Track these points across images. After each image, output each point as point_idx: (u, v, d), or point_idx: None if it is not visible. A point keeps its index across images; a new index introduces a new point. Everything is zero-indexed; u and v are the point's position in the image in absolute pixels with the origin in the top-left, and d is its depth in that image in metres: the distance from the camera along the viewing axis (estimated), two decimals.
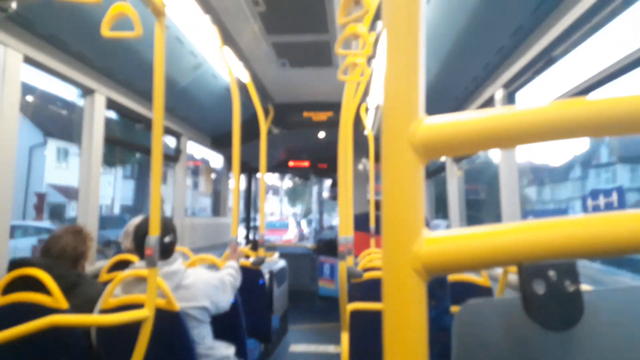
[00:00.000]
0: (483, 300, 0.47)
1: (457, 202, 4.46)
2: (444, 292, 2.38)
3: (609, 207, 1.96)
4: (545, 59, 2.42)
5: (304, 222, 23.04)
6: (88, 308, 2.00)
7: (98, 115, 3.01)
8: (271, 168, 7.28)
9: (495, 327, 0.46)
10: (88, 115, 2.99)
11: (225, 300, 2.12)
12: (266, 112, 4.88)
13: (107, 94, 3.10)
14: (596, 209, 2.03)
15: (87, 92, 2.99)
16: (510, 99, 2.91)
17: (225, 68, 3.11)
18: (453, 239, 0.44)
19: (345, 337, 2.35)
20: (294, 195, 32.52)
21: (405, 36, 0.45)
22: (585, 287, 0.42)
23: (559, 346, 0.45)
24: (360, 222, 4.11)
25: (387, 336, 0.44)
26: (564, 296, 0.42)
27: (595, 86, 2.05)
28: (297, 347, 4.70)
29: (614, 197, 1.95)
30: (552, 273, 0.42)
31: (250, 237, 7.04)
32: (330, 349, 4.53)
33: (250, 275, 3.49)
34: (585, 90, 2.11)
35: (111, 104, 3.19)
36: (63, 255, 2.19)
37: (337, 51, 2.01)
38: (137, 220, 2.80)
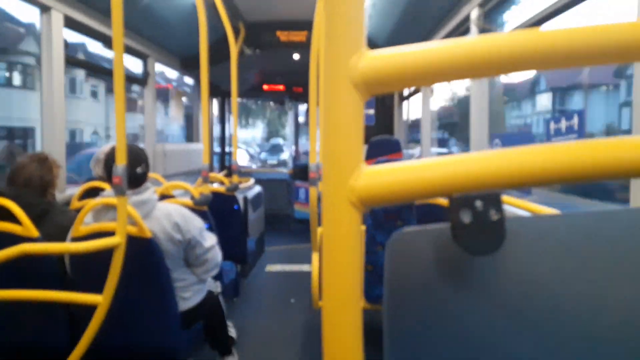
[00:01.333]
0: (414, 229, 0.50)
1: (429, 125, 4.48)
2: (410, 212, 2.47)
3: (570, 130, 2.01)
4: None
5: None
6: (60, 236, 1.99)
7: (57, 35, 2.82)
8: (244, 92, 7.09)
9: (426, 254, 0.49)
10: (46, 35, 2.80)
11: (195, 233, 2.09)
12: (237, 32, 4.66)
13: (65, 12, 2.89)
14: (558, 132, 2.07)
15: (42, 9, 2.77)
16: (487, 19, 2.84)
17: None
18: (389, 173, 0.45)
19: (315, 257, 2.43)
20: (247, 114, 30.40)
21: None
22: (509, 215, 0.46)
23: (483, 269, 0.49)
24: None
25: (325, 263, 0.47)
26: (488, 224, 0.45)
27: (569, 5, 2.01)
28: (272, 267, 4.87)
29: (575, 120, 1.99)
30: (478, 203, 0.44)
31: (225, 163, 7.01)
32: (305, 267, 4.71)
33: (225, 201, 3.51)
34: (559, 9, 2.07)
35: (70, 23, 2.99)
36: (29, 184, 2.14)
37: None
38: (107, 147, 2.73)
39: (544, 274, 0.50)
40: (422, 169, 0.45)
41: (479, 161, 0.44)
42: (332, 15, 0.46)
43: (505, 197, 1.65)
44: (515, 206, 1.82)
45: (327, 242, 0.47)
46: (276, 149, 21.90)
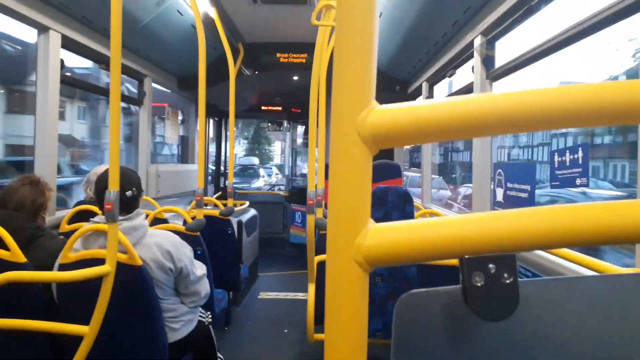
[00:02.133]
0: (424, 290, 0.48)
1: (429, 150, 4.46)
2: None
3: (574, 163, 1.98)
4: (525, 7, 2.34)
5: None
6: (48, 262, 1.93)
7: (53, 55, 2.79)
8: (242, 112, 7.08)
9: (436, 317, 0.48)
10: (42, 55, 2.78)
11: (187, 261, 2.02)
12: (236, 52, 4.65)
13: (63, 32, 2.87)
14: (562, 165, 2.03)
15: (40, 30, 2.75)
16: (489, 46, 2.84)
17: (192, 3, 2.89)
18: (397, 231, 0.44)
19: (312, 288, 2.36)
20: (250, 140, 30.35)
21: (357, 28, 0.43)
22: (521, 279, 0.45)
23: (496, 335, 0.48)
24: None
25: (328, 325, 0.45)
26: (501, 288, 0.44)
27: (572, 39, 2.01)
28: (266, 295, 4.76)
29: (580, 153, 1.96)
30: (491, 266, 0.44)
31: (221, 184, 6.94)
32: (300, 295, 4.61)
33: (218, 225, 3.44)
34: (563, 42, 2.06)
35: (67, 43, 2.96)
36: (21, 208, 2.09)
37: None
38: (100, 168, 2.67)
39: (559, 339, 0.49)
40: (432, 227, 0.43)
41: (492, 221, 0.43)
42: (341, 69, 0.44)
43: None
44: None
45: (331, 306, 0.45)
46: (248, 173, 16.89)
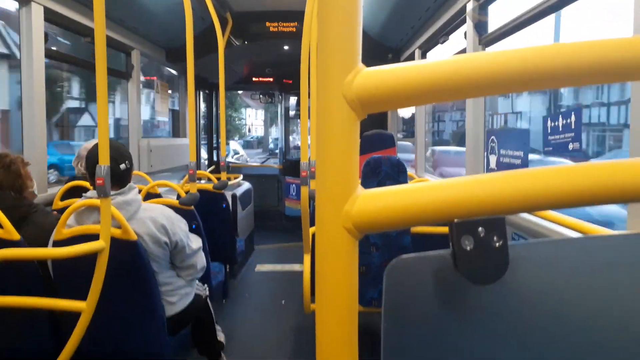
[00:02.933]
0: (413, 255, 0.48)
1: (423, 119, 4.44)
2: None
3: (566, 128, 1.97)
4: None
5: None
6: (43, 238, 1.92)
7: (37, 28, 2.72)
8: (232, 84, 6.98)
9: (426, 282, 0.48)
10: (25, 28, 2.70)
11: (182, 235, 2.02)
12: (225, 22, 4.55)
13: (45, 4, 2.78)
14: (555, 130, 2.03)
15: (22, 2, 2.67)
16: (481, 11, 2.79)
17: None
18: (385, 197, 0.43)
19: (307, 259, 2.38)
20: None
21: None
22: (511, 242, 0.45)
23: (487, 298, 0.48)
24: None
25: (319, 291, 0.45)
26: (490, 251, 0.44)
27: (563, 3, 1.98)
28: (262, 267, 4.80)
29: (572, 118, 1.95)
30: (480, 229, 0.44)
31: (214, 158, 6.90)
32: (296, 267, 4.65)
33: (212, 199, 3.43)
34: (554, 6, 2.03)
35: (50, 15, 2.88)
36: (1, 188, 2.05)
37: None
38: (90, 143, 2.64)
39: (549, 301, 0.49)
40: (421, 192, 0.43)
41: (481, 184, 0.42)
42: (326, 31, 0.43)
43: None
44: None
45: (321, 271, 0.45)
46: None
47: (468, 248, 0.43)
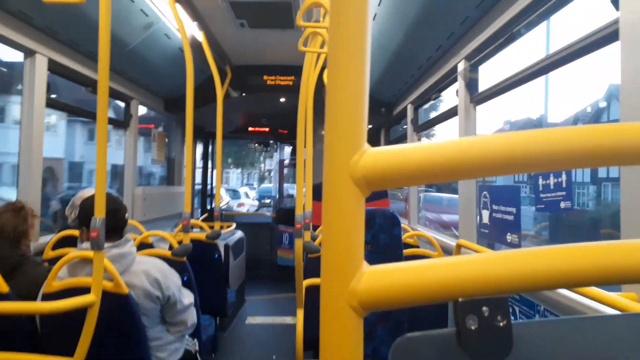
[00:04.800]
0: (418, 334, 0.48)
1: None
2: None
3: (558, 186, 2.01)
4: (507, 34, 2.40)
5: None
6: (32, 290, 1.89)
7: (40, 78, 2.78)
8: (229, 133, 7.08)
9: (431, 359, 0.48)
10: (28, 78, 2.76)
11: (175, 290, 2.00)
12: (224, 75, 4.67)
13: (50, 55, 2.86)
14: (546, 188, 2.06)
15: (27, 53, 2.74)
16: (473, 70, 2.89)
17: (180, 27, 2.91)
18: (391, 274, 0.44)
19: (300, 314, 2.34)
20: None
21: (349, 73, 0.44)
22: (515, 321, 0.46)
23: None
24: (321, 192, 4.08)
25: None
26: (495, 331, 0.45)
27: (550, 67, 2.06)
28: (253, 320, 4.69)
29: (564, 177, 2.00)
30: (484, 308, 0.44)
31: (208, 206, 6.89)
32: (288, 320, 4.55)
33: (205, 249, 3.40)
34: (542, 69, 2.11)
35: (54, 66, 2.95)
36: (2, 235, 2.05)
37: (298, 23, 1.92)
38: (85, 193, 2.64)
39: None
40: (427, 270, 0.44)
41: (485, 263, 0.43)
42: (333, 113, 0.45)
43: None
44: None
45: (327, 351, 0.44)
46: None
47: (472, 327, 0.44)
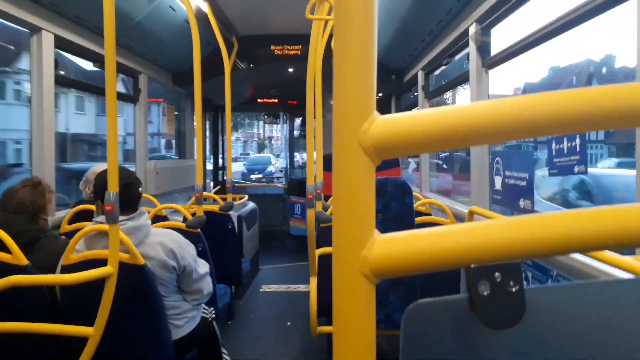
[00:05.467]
0: (430, 300, 0.49)
1: None
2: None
3: (572, 151, 1.98)
4: None
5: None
6: (51, 263, 1.94)
7: (47, 55, 2.78)
8: (238, 106, 7.06)
9: (443, 326, 0.48)
10: (36, 56, 2.76)
11: (190, 260, 2.03)
12: (230, 46, 4.62)
13: (56, 32, 2.85)
14: (560, 152, 2.04)
15: (33, 30, 2.73)
16: (484, 34, 2.83)
17: None
18: (402, 241, 0.44)
19: (313, 282, 2.37)
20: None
21: (356, 40, 0.44)
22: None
23: (504, 343, 0.48)
24: (332, 162, 4.08)
25: (336, 337, 0.45)
26: (507, 296, 0.45)
27: (565, 27, 2.00)
28: (268, 288, 4.78)
29: (577, 141, 1.97)
30: (497, 274, 0.44)
31: (220, 179, 6.94)
32: (301, 287, 4.63)
33: (218, 220, 3.45)
34: (556, 30, 2.06)
35: (60, 43, 2.94)
36: (21, 209, 2.09)
37: None
38: (99, 168, 2.67)
39: (567, 346, 0.49)
40: (438, 237, 0.43)
41: (497, 229, 0.43)
42: (341, 81, 0.44)
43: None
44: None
45: (339, 317, 0.45)
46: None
47: (485, 293, 0.44)
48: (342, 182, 0.44)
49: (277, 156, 20.11)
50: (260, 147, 28.42)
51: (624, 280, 0.53)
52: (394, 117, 0.44)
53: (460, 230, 0.43)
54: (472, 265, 0.44)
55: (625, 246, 0.43)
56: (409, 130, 0.43)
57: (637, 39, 1.44)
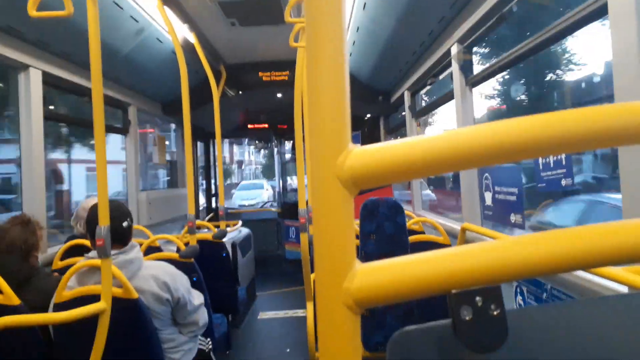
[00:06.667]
0: (415, 327, 0.49)
1: None
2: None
3: (558, 164, 2.01)
4: (498, 14, 2.39)
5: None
6: (44, 301, 1.92)
7: (35, 92, 2.79)
8: (229, 132, 7.09)
9: (428, 352, 0.49)
10: (24, 93, 2.77)
11: (184, 291, 2.01)
12: (218, 74, 4.67)
13: (43, 68, 2.87)
14: (546, 166, 2.07)
15: (20, 68, 2.75)
16: (466, 53, 2.89)
17: (170, 30, 2.91)
18: (383, 271, 0.44)
19: (310, 307, 2.35)
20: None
21: (328, 74, 0.44)
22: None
23: None
24: None
25: None
26: (489, 320, 0.45)
27: (544, 45, 2.05)
28: (265, 315, 4.73)
29: (563, 154, 2.00)
30: (478, 299, 0.45)
31: (213, 206, 6.92)
32: (299, 312, 4.58)
33: (212, 249, 3.43)
34: (536, 47, 2.11)
35: (48, 78, 2.96)
36: (12, 250, 2.07)
37: (287, 19, 1.91)
38: (89, 202, 2.66)
39: None
40: (419, 264, 0.44)
41: (475, 255, 0.43)
42: (315, 116, 0.44)
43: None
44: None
45: (324, 347, 0.45)
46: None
47: (467, 318, 0.44)
48: (321, 214, 0.44)
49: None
50: (226, 174, 25.94)
51: (605, 298, 0.54)
52: (369, 148, 0.44)
53: (440, 256, 0.44)
54: (453, 291, 0.44)
55: (607, 264, 0.44)
56: (385, 160, 0.44)
57: (613, 60, 1.48)
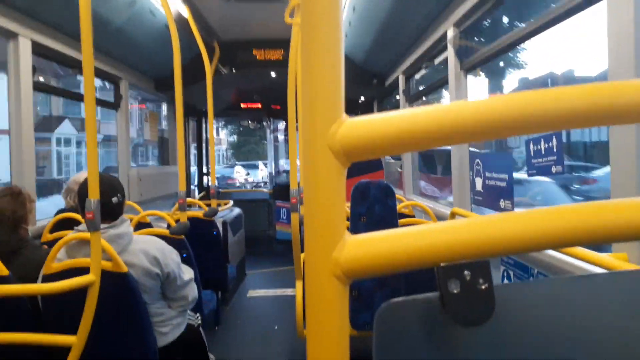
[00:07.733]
0: (402, 299, 0.49)
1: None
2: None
3: (549, 151, 2.03)
4: None
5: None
6: (32, 273, 1.91)
7: (24, 61, 2.74)
8: (221, 111, 7.04)
9: (415, 325, 0.49)
10: (13, 62, 2.72)
11: (174, 266, 2.02)
12: (212, 51, 4.61)
13: (33, 37, 2.82)
14: (537, 153, 2.08)
15: (9, 36, 2.70)
16: (462, 37, 2.88)
17: (163, 3, 2.86)
18: (373, 242, 0.44)
19: (299, 285, 2.38)
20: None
21: (322, 42, 0.44)
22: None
23: (475, 340, 0.49)
24: None
25: (309, 338, 0.45)
26: (477, 294, 0.45)
27: (539, 30, 2.05)
28: (254, 293, 4.77)
29: (554, 142, 2.01)
30: (466, 272, 0.45)
31: (204, 184, 6.90)
32: (288, 291, 4.63)
33: (203, 226, 3.43)
34: (530, 32, 2.10)
35: (38, 48, 2.91)
36: (1, 220, 2.06)
37: None
38: (81, 176, 2.65)
39: (537, 341, 0.50)
40: (407, 238, 0.44)
41: (464, 229, 0.44)
42: (309, 83, 0.44)
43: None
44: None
45: (312, 318, 0.45)
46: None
47: (455, 291, 0.45)
48: (311, 184, 0.44)
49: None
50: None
51: (593, 275, 0.55)
52: (362, 119, 0.44)
53: (429, 230, 0.44)
54: (442, 264, 0.44)
55: (594, 242, 0.45)
56: (378, 132, 0.43)
57: (608, 42, 1.48)
